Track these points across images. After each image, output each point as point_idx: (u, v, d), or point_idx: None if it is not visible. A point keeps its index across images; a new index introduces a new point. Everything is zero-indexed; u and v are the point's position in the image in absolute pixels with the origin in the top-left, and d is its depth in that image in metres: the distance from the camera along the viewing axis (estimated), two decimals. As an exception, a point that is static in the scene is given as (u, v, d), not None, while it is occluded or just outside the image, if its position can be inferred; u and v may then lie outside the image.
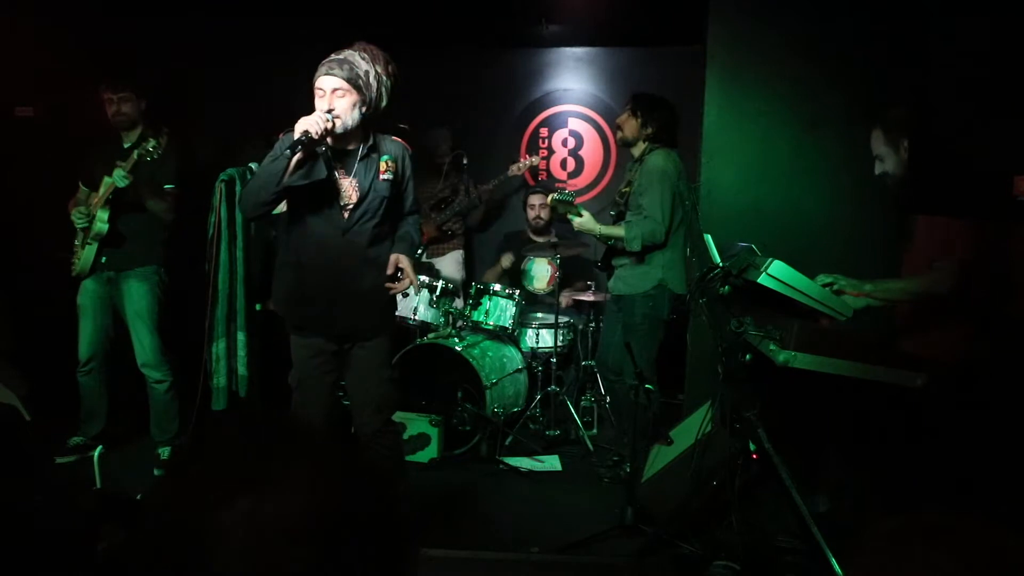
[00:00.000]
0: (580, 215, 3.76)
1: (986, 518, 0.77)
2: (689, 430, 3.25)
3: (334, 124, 2.62)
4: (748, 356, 2.78)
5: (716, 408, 3.04)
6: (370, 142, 2.79)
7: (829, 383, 2.54)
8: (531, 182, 5.92)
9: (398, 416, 3.33)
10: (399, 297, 2.97)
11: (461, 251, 5.36)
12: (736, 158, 3.73)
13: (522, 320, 4.73)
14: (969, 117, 3.14)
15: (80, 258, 3.81)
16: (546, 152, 6.10)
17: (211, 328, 3.89)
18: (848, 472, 2.95)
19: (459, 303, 4.74)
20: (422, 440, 4.05)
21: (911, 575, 0.75)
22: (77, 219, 3.78)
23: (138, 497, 2.15)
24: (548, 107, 6.09)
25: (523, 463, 4.09)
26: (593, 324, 4.88)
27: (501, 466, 4.04)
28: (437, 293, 4.43)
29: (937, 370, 2.49)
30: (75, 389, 3.92)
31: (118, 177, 3.56)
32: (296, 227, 2.78)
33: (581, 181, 6.06)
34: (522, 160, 5.41)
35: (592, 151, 6.07)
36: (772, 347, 2.58)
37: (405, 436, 3.98)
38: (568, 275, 4.97)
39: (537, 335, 4.79)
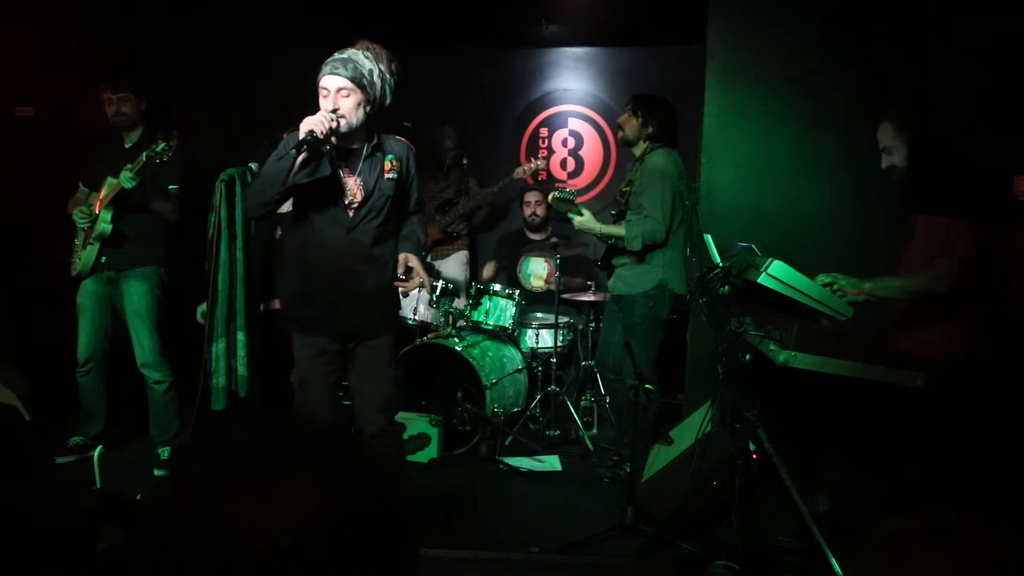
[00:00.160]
0: (581, 214, 3.76)
1: (986, 518, 0.77)
2: (689, 430, 3.25)
3: (339, 124, 2.62)
4: (748, 356, 2.78)
5: (716, 408, 3.04)
6: (374, 141, 2.79)
7: (829, 383, 2.54)
8: (531, 181, 5.92)
9: (398, 416, 3.33)
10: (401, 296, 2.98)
11: (466, 251, 5.37)
12: (736, 158, 3.73)
13: (522, 320, 4.73)
14: (969, 117, 3.14)
15: (81, 258, 3.81)
16: (546, 152, 6.10)
17: (211, 328, 3.89)
18: (848, 472, 2.95)
19: (459, 303, 4.74)
20: (422, 440, 4.05)
21: (911, 575, 0.75)
22: (79, 219, 3.78)
23: (138, 497, 2.16)
24: (548, 107, 6.09)
25: (523, 463, 4.09)
26: (593, 324, 4.88)
27: (501, 466, 4.04)
28: (437, 293, 4.43)
29: (937, 370, 2.49)
30: (75, 389, 3.92)
31: (125, 178, 3.56)
32: (301, 226, 2.79)
33: (581, 181, 6.07)
34: (527, 164, 5.42)
35: (592, 151, 6.07)
36: (772, 347, 2.58)
37: (405, 436, 3.98)
38: (566, 270, 4.96)
39: (537, 335, 4.79)
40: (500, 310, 4.54)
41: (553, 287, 4.63)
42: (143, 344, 3.81)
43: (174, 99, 4.39)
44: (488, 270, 5.33)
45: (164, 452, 3.87)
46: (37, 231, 4.34)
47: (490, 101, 6.05)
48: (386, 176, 2.79)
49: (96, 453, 2.90)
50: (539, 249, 5.20)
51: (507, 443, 4.31)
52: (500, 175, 5.34)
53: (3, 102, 4.59)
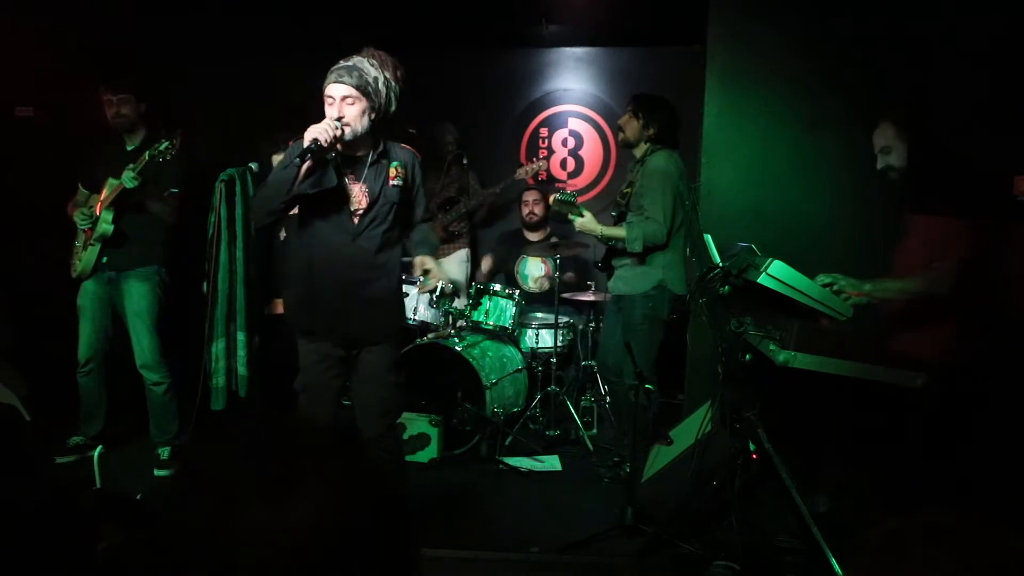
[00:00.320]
0: (582, 215, 3.76)
1: (986, 518, 0.77)
2: (689, 430, 3.25)
3: (344, 132, 2.63)
4: (748, 356, 2.78)
5: (716, 408, 3.04)
6: (380, 148, 2.80)
7: (829, 383, 2.54)
8: (531, 181, 5.92)
9: (398, 416, 3.34)
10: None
11: (466, 250, 5.36)
12: (736, 158, 3.72)
13: (522, 320, 4.73)
14: (969, 117, 3.14)
15: (81, 260, 3.81)
16: (546, 152, 6.10)
17: (211, 328, 3.89)
18: (848, 472, 2.95)
19: (459, 303, 4.74)
20: (422, 440, 4.05)
21: (911, 575, 0.75)
22: (80, 221, 3.78)
23: (138, 497, 2.16)
24: (548, 107, 6.09)
25: (523, 463, 4.09)
26: (593, 324, 4.88)
27: (501, 466, 4.04)
28: (437, 293, 4.43)
29: (937, 369, 2.49)
30: (75, 389, 3.92)
31: (127, 178, 3.56)
32: (306, 232, 2.79)
33: (581, 181, 6.07)
34: (528, 164, 5.42)
35: (592, 151, 6.07)
36: (772, 347, 2.58)
37: (405, 436, 3.98)
38: (565, 270, 4.95)
39: (537, 335, 4.79)
40: (500, 310, 4.54)
41: (549, 287, 4.63)
42: (142, 345, 3.81)
43: (174, 99, 4.39)
44: (486, 263, 5.32)
45: (164, 452, 3.87)
46: (37, 231, 4.34)
47: (490, 101, 6.05)
48: (391, 183, 2.80)
49: (96, 453, 2.90)
50: (538, 249, 5.20)
51: (507, 443, 4.31)
52: (500, 175, 5.34)
53: (3, 102, 4.59)
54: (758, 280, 2.60)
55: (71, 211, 3.89)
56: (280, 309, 4.24)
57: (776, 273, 2.59)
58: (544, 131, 6.10)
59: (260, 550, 0.67)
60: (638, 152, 3.86)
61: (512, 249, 5.35)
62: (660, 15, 5.14)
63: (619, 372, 3.87)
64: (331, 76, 2.65)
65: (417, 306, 4.61)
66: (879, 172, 2.86)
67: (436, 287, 2.85)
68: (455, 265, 5.28)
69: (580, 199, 3.86)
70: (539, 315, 4.90)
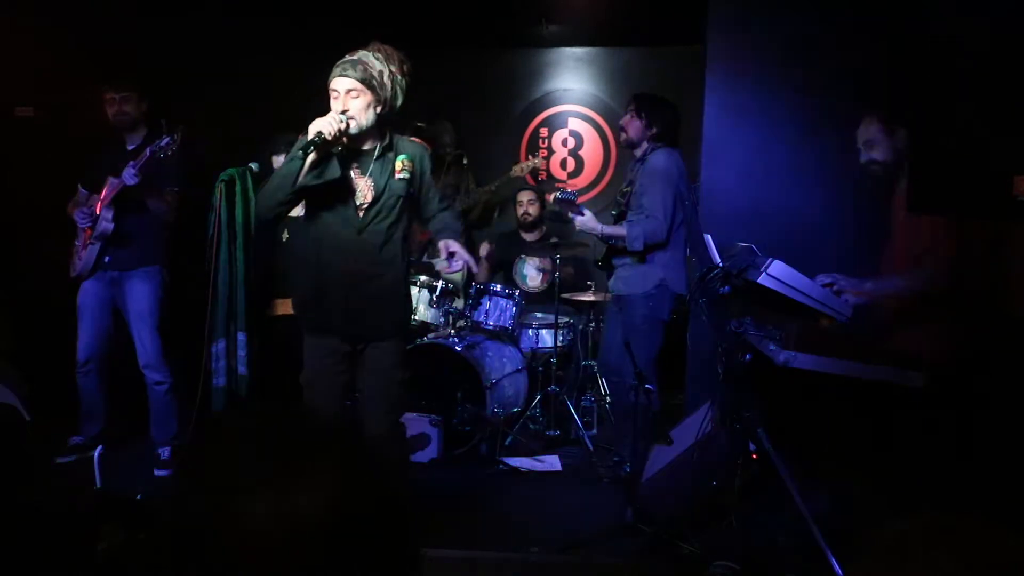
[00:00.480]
0: (582, 214, 3.75)
1: (986, 518, 0.77)
2: (689, 430, 3.25)
3: (348, 125, 2.64)
4: (748, 356, 2.78)
5: (716, 408, 3.04)
6: (386, 141, 2.80)
7: (829, 383, 2.54)
8: (531, 182, 5.92)
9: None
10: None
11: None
12: (736, 158, 3.73)
13: (522, 320, 4.73)
14: (969, 117, 3.14)
15: (82, 259, 3.81)
16: (546, 152, 6.10)
17: (211, 328, 3.89)
18: (848, 472, 2.95)
19: (459, 303, 4.74)
20: (422, 440, 4.05)
21: (911, 575, 0.75)
22: (81, 221, 3.79)
23: (138, 497, 2.15)
24: (548, 107, 6.09)
25: (523, 463, 4.09)
26: (593, 324, 4.88)
27: (501, 466, 4.04)
28: (437, 293, 4.43)
29: (936, 369, 2.49)
30: (75, 389, 3.92)
31: (128, 175, 3.56)
32: (312, 226, 2.80)
33: (581, 181, 6.07)
34: (524, 162, 5.41)
35: (592, 151, 6.07)
36: (772, 347, 2.58)
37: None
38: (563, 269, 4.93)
39: (537, 335, 4.79)
40: (500, 310, 4.54)
41: (554, 288, 4.63)
42: (145, 344, 3.80)
43: (174, 99, 4.39)
44: (484, 248, 5.25)
45: (164, 452, 3.87)
46: (37, 231, 4.34)
47: (490, 101, 6.05)
48: (397, 176, 2.80)
49: (96, 453, 2.90)
50: (536, 249, 5.18)
51: (507, 443, 4.31)
52: (500, 175, 5.33)
53: (3, 102, 4.59)
54: (758, 280, 2.60)
55: (71, 211, 3.89)
56: (280, 310, 4.24)
57: (776, 273, 2.59)
58: (544, 131, 6.10)
59: (260, 549, 0.67)
60: (639, 151, 3.86)
61: (510, 249, 5.34)
62: (660, 15, 5.14)
63: (620, 372, 3.87)
64: (336, 70, 2.66)
65: (417, 306, 4.60)
66: (862, 166, 2.90)
67: (462, 269, 2.81)
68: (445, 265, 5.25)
69: (580, 199, 3.85)
70: (539, 315, 4.90)
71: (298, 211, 2.95)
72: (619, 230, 3.76)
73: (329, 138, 2.58)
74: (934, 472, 2.49)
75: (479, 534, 3.26)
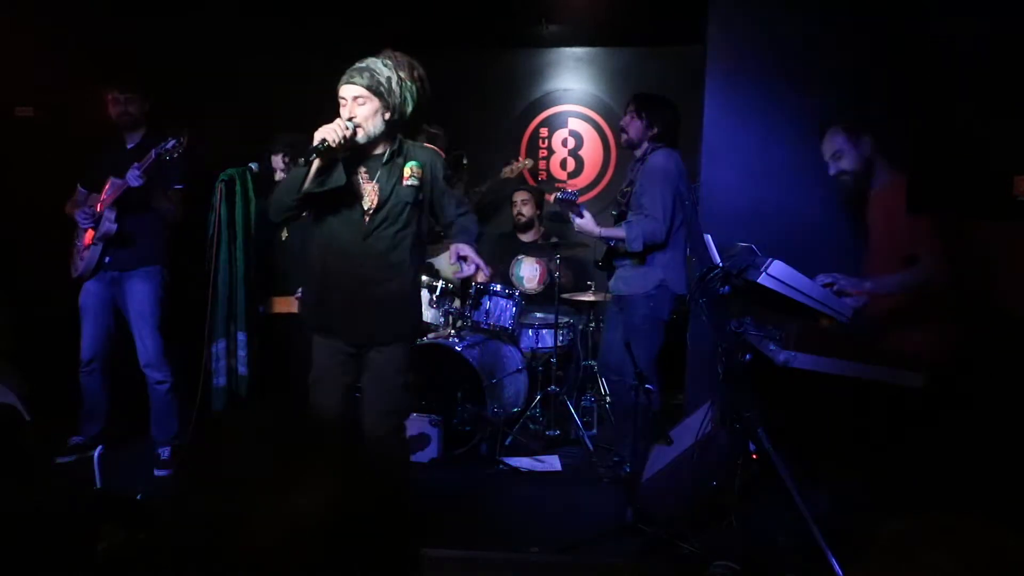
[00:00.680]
0: (581, 216, 3.74)
1: (986, 518, 0.77)
2: (689, 430, 3.25)
3: (355, 132, 2.64)
4: (748, 356, 2.78)
5: (716, 408, 3.04)
6: (395, 147, 2.79)
7: (829, 383, 2.54)
8: (531, 182, 5.92)
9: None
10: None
11: None
12: (736, 158, 3.72)
13: (522, 320, 4.73)
14: (969, 117, 3.14)
15: (84, 259, 3.81)
16: (546, 152, 6.10)
17: (211, 328, 3.89)
18: (848, 472, 2.95)
19: (457, 303, 4.74)
20: (422, 440, 4.05)
21: (912, 575, 0.75)
22: (82, 220, 3.78)
23: (138, 497, 2.15)
24: (548, 107, 6.09)
25: (523, 463, 4.09)
26: (593, 324, 4.87)
27: (501, 466, 4.04)
28: (437, 293, 4.43)
29: (936, 369, 2.50)
30: (75, 389, 3.92)
31: (133, 176, 3.56)
32: (321, 230, 2.81)
33: (581, 181, 6.07)
34: (515, 162, 5.40)
35: (592, 151, 6.07)
36: (772, 347, 2.58)
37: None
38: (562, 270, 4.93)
39: (537, 335, 4.79)
40: (500, 310, 4.54)
41: (554, 290, 4.62)
42: (146, 344, 3.81)
43: (174, 99, 4.39)
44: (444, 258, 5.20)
45: (164, 452, 3.87)
46: (37, 231, 4.34)
47: (490, 101, 6.05)
48: (405, 183, 2.79)
49: (96, 453, 2.90)
50: (533, 250, 5.17)
51: (507, 443, 4.31)
52: (491, 177, 5.33)
53: (3, 102, 4.59)
54: (758, 280, 2.60)
55: (70, 210, 3.89)
56: (277, 308, 4.24)
57: (776, 273, 2.59)
58: (544, 131, 6.10)
59: (260, 549, 0.67)
60: (639, 151, 3.85)
61: (507, 250, 5.33)
62: (660, 15, 5.14)
63: (620, 372, 3.86)
64: (344, 78, 2.68)
65: (417, 306, 4.60)
66: (833, 178, 2.98)
67: (475, 273, 2.78)
68: (443, 265, 5.26)
69: (580, 199, 3.85)
70: (539, 315, 4.90)
71: None
72: (618, 232, 3.75)
73: (333, 145, 2.59)
74: (934, 472, 2.49)
75: (479, 534, 3.26)
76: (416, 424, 4.05)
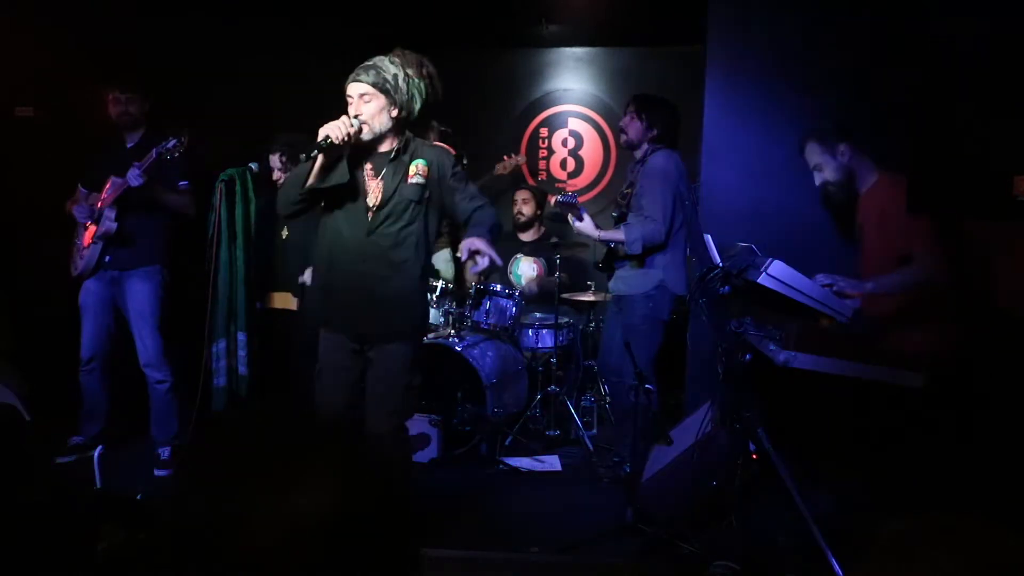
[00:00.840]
0: (581, 219, 3.73)
1: (986, 518, 0.77)
2: (689, 430, 3.25)
3: (360, 129, 2.65)
4: (748, 356, 2.78)
5: (716, 408, 3.04)
6: (401, 145, 2.79)
7: (829, 383, 2.55)
8: (531, 182, 5.92)
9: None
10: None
11: (448, 249, 5.30)
12: (736, 158, 3.72)
13: (522, 320, 4.73)
14: (969, 117, 3.14)
15: (83, 258, 3.81)
16: (546, 152, 6.10)
17: (211, 328, 3.89)
18: (848, 472, 2.95)
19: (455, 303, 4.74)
20: (422, 440, 4.05)
21: (911, 575, 0.75)
22: (81, 215, 3.79)
23: (138, 497, 2.15)
24: (548, 107, 6.10)
25: (523, 463, 4.09)
26: (593, 324, 4.87)
27: (501, 466, 4.04)
28: (437, 293, 4.43)
29: (936, 369, 2.50)
30: (75, 389, 3.92)
31: (133, 176, 3.56)
32: (327, 225, 2.83)
33: (581, 181, 6.07)
34: (507, 160, 5.39)
35: (592, 151, 6.07)
36: (772, 347, 2.59)
37: (405, 436, 3.98)
38: (564, 270, 4.92)
39: (537, 335, 4.79)
40: (500, 310, 4.54)
41: (540, 291, 4.63)
42: (146, 344, 3.81)
43: (174, 99, 4.39)
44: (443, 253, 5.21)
45: (164, 452, 3.87)
46: (37, 231, 4.34)
47: (490, 101, 6.05)
48: (410, 180, 2.78)
49: (96, 453, 2.90)
50: (532, 249, 5.17)
51: (507, 443, 4.31)
52: (484, 175, 5.34)
53: (3, 102, 4.59)
54: (758, 280, 2.60)
55: (70, 209, 3.89)
56: (275, 303, 4.25)
57: (776, 273, 2.59)
58: (544, 131, 6.10)
59: (260, 549, 0.67)
60: (638, 152, 3.85)
61: (506, 250, 5.33)
62: (660, 15, 5.15)
63: (620, 372, 3.86)
64: (351, 76, 2.69)
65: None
66: (819, 189, 3.03)
67: (486, 268, 2.69)
68: (440, 264, 5.26)
69: (580, 199, 3.84)
70: (539, 315, 4.90)
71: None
72: (617, 235, 3.74)
73: (337, 142, 2.59)
74: (934, 472, 2.49)
75: (479, 534, 3.26)
76: (416, 424, 4.05)
